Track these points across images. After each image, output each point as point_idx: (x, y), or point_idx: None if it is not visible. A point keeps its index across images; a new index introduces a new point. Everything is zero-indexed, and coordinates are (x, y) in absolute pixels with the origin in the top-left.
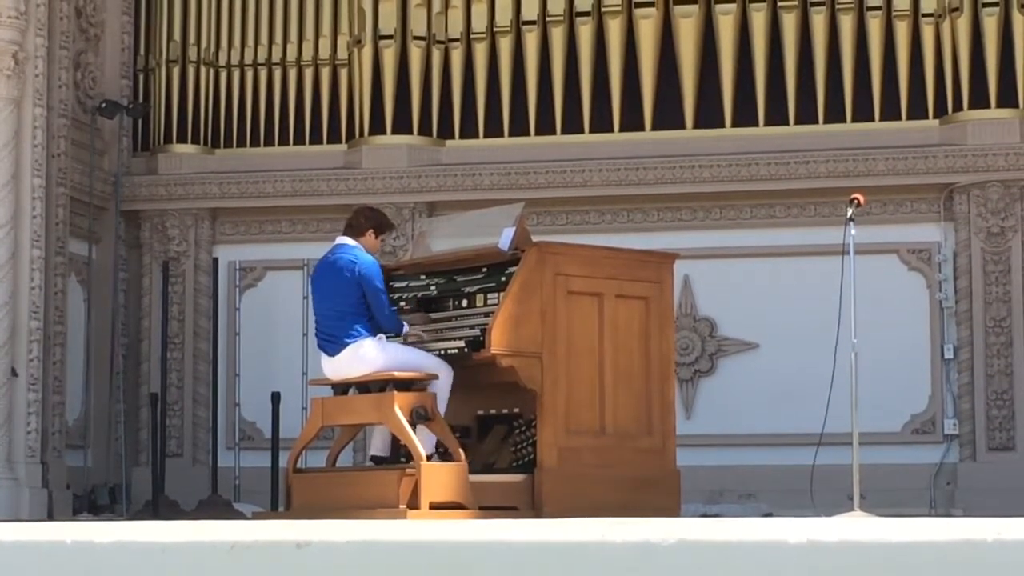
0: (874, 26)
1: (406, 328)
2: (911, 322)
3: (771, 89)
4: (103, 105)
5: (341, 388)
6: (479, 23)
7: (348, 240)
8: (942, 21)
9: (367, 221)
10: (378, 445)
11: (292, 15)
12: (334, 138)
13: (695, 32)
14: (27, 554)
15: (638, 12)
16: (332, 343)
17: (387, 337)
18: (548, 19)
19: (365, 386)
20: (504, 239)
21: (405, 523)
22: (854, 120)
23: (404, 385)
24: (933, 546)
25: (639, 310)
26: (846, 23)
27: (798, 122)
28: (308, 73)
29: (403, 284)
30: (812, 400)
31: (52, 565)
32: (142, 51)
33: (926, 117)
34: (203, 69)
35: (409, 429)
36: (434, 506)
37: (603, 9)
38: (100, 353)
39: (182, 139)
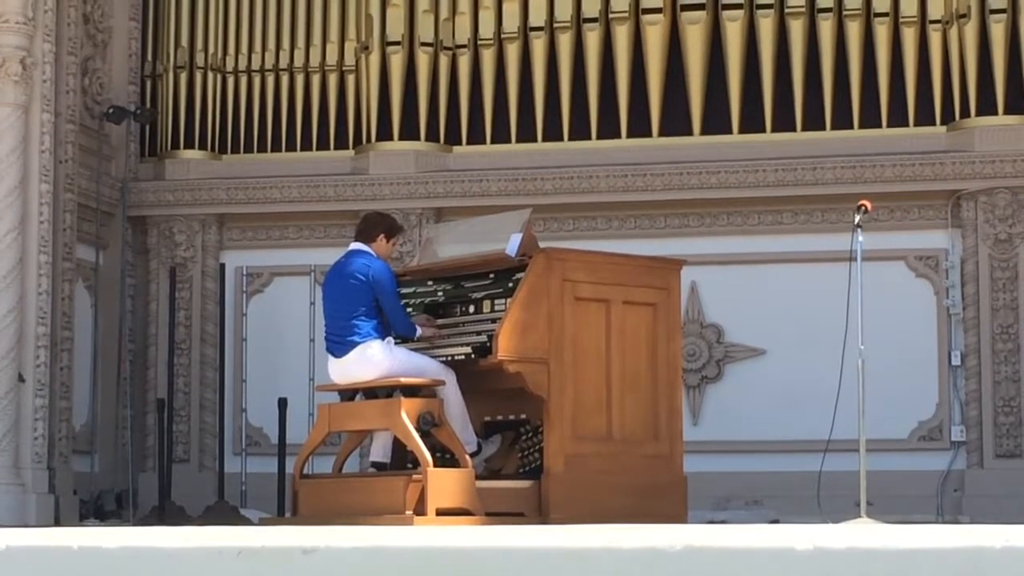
0: (881, 32)
1: (419, 332)
2: (918, 329)
3: (778, 95)
4: (110, 111)
5: (348, 394)
6: (486, 29)
7: (361, 246)
8: (949, 27)
9: (377, 226)
10: (378, 451)
11: (300, 21)
12: (341, 144)
13: (702, 38)
14: (34, 559)
15: (645, 18)
16: (340, 344)
17: (396, 341)
18: (555, 25)
19: (372, 392)
20: (511, 245)
21: (412, 529)
22: (861, 126)
23: (411, 391)
24: (940, 553)
25: (646, 316)
26: (853, 29)
27: (805, 128)
28: (315, 79)
29: (410, 290)
30: (819, 406)
31: (59, 570)
32: (150, 57)
33: (934, 123)
34: (210, 75)
35: (416, 435)
36: (441, 512)
37: (610, 15)
38: (107, 359)
39: (189, 145)
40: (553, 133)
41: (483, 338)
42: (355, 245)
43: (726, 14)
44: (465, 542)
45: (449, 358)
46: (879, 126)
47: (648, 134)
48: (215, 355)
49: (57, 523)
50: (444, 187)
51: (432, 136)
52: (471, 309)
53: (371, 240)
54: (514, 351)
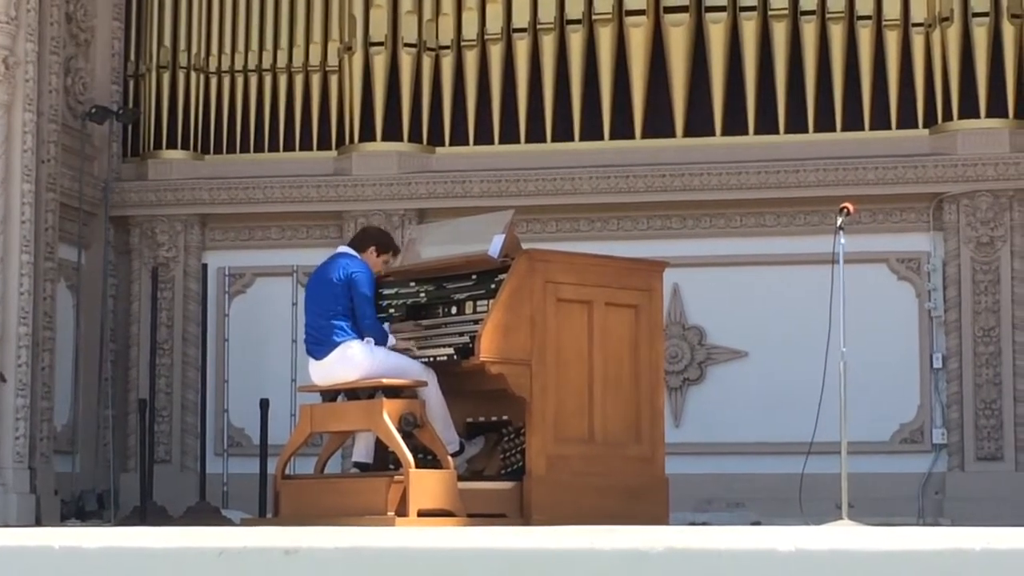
0: (864, 35)
1: (392, 340)
2: (900, 331)
3: (761, 98)
4: (93, 110)
5: (329, 395)
6: (469, 30)
7: (349, 249)
8: (932, 31)
9: (371, 238)
10: (361, 451)
11: (283, 21)
12: (324, 145)
13: (686, 40)
14: (15, 560)
15: (629, 20)
16: (320, 345)
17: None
18: (539, 27)
19: (354, 393)
20: (494, 246)
21: (393, 530)
22: (844, 129)
23: (393, 392)
24: (921, 555)
25: (629, 318)
26: (836, 32)
27: (788, 131)
28: (298, 79)
29: (392, 291)
30: (801, 409)
31: (40, 571)
32: (132, 57)
33: (916, 127)
34: (193, 75)
35: (398, 436)
36: (422, 513)
37: (594, 17)
38: (89, 359)
39: (172, 145)
40: (536, 134)
41: (465, 339)
42: (343, 248)
43: (709, 16)
44: (447, 543)
45: (431, 359)
46: (862, 129)
47: (631, 136)
48: (197, 355)
49: (38, 523)
50: (427, 188)
51: (415, 137)
52: (453, 310)
53: (362, 249)
54: (496, 352)
